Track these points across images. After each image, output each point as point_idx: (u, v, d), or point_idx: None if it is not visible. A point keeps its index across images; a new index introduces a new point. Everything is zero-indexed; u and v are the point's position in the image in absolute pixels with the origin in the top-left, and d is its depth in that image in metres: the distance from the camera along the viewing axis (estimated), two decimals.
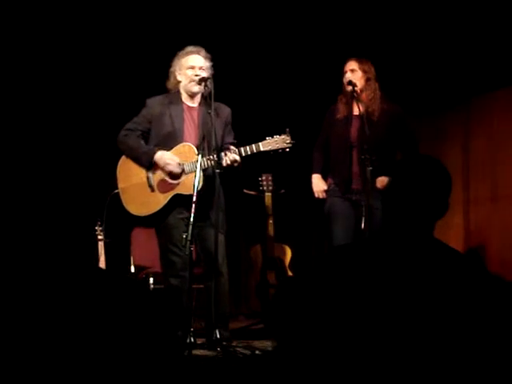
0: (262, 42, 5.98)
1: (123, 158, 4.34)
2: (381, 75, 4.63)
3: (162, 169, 4.21)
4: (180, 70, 4.30)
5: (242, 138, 4.25)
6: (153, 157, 4.20)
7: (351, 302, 1.75)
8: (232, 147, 4.16)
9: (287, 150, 4.17)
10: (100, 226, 5.34)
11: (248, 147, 4.14)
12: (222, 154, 4.11)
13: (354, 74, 4.55)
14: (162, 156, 4.19)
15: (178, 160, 4.18)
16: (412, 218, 1.91)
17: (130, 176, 4.31)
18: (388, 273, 1.78)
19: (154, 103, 4.31)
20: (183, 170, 4.19)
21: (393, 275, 1.78)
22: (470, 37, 5.38)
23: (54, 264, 2.10)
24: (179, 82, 4.32)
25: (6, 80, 5.64)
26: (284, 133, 4.15)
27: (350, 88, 4.52)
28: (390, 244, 1.89)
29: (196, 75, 4.22)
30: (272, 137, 4.15)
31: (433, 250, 1.87)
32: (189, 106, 4.31)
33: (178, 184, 4.20)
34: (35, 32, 5.63)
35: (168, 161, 4.18)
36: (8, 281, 2.03)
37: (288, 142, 4.14)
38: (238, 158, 4.12)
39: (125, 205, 4.32)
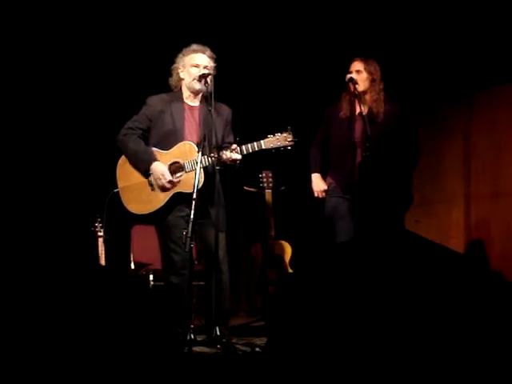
0: (264, 39, 5.97)
1: (123, 157, 4.33)
2: (383, 70, 4.61)
3: (155, 180, 4.20)
4: (184, 67, 4.28)
5: (244, 136, 4.24)
6: (149, 167, 4.20)
7: (351, 299, 1.74)
8: (233, 145, 4.15)
9: (289, 148, 4.15)
10: (100, 222, 5.33)
11: (250, 145, 4.13)
12: (223, 151, 4.10)
13: (360, 75, 4.53)
14: (157, 168, 4.18)
15: (168, 178, 4.16)
16: (380, 214, 1.92)
17: (129, 175, 4.30)
18: (387, 268, 1.78)
19: (155, 101, 4.30)
20: (184, 169, 4.18)
21: (392, 271, 1.77)
22: (472, 31, 5.37)
23: (53, 261, 2.09)
24: (182, 79, 4.30)
25: (6, 78, 5.63)
26: (286, 131, 4.14)
27: (351, 86, 4.51)
28: (371, 240, 1.91)
29: (199, 73, 4.21)
30: (274, 135, 4.14)
31: (410, 243, 1.88)
32: (190, 106, 4.30)
33: (178, 182, 4.19)
34: (35, 29, 5.62)
35: (160, 176, 4.17)
36: (7, 277, 2.02)
37: (290, 140, 4.13)
38: (239, 156, 4.11)
39: (125, 204, 4.31)
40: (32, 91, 5.80)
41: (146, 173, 4.22)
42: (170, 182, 4.17)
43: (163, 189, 4.20)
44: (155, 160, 4.20)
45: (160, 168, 4.18)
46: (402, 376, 1.68)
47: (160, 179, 4.17)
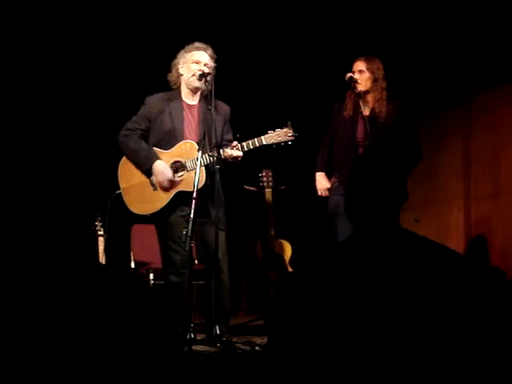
0: (265, 35, 5.97)
1: (124, 158, 4.33)
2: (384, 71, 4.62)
3: (155, 176, 4.20)
4: (184, 63, 4.28)
5: (244, 133, 4.24)
6: (151, 165, 4.19)
7: (351, 298, 1.75)
8: (234, 142, 4.15)
9: (289, 143, 4.15)
10: (100, 221, 5.33)
11: (250, 142, 4.13)
12: (224, 149, 4.10)
13: (362, 75, 4.54)
14: (158, 167, 4.17)
15: (170, 176, 4.15)
16: (374, 210, 1.93)
17: (131, 176, 4.30)
18: (386, 268, 1.78)
19: (153, 101, 4.29)
20: (185, 168, 4.18)
21: (390, 270, 1.78)
22: (473, 31, 5.37)
23: (53, 260, 2.09)
24: (181, 75, 4.30)
25: (8, 78, 5.64)
26: (286, 126, 4.14)
27: (352, 85, 4.52)
28: (366, 238, 1.91)
29: (199, 70, 4.21)
30: (274, 130, 4.14)
31: (406, 241, 1.88)
32: (188, 104, 4.30)
33: (180, 181, 4.19)
34: (35, 30, 5.62)
35: (163, 173, 4.16)
36: (8, 276, 2.03)
37: (290, 134, 4.13)
38: (240, 153, 4.11)
39: (128, 205, 4.31)
40: (34, 91, 5.80)
41: (148, 172, 4.22)
42: (170, 181, 4.16)
43: (164, 188, 4.19)
44: (157, 159, 4.20)
45: (161, 166, 4.18)
46: (401, 375, 1.68)
47: (162, 177, 4.16)
